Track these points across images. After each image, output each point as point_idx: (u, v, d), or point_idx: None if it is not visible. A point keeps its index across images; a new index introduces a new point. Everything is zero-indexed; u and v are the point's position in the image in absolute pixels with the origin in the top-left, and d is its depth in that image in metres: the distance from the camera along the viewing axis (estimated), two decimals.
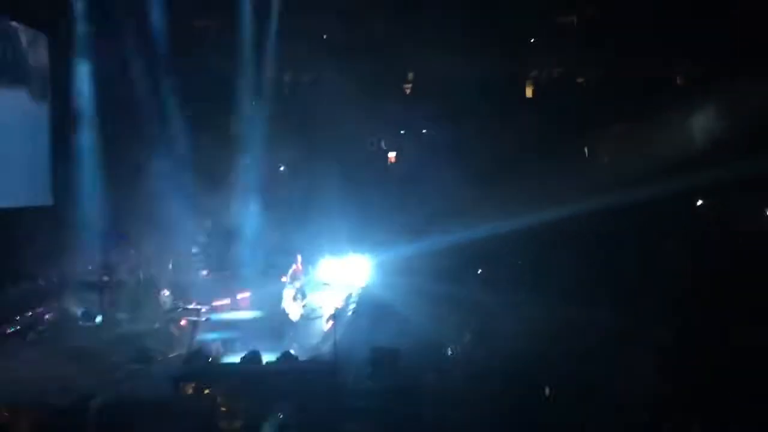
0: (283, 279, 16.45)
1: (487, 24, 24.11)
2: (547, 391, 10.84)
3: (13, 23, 18.32)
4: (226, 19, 23.48)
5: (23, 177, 18.83)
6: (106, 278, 16.44)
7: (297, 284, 15.90)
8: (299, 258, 16.57)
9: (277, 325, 15.93)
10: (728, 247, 18.00)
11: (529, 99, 27.58)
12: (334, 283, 19.05)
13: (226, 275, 19.67)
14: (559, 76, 27.13)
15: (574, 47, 25.38)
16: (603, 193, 20.09)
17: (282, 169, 26.44)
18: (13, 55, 18.60)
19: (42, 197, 19.60)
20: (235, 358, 13.22)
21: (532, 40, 26.62)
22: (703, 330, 12.71)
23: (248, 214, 21.97)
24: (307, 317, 15.85)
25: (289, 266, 16.94)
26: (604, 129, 24.29)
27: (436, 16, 24.13)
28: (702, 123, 20.92)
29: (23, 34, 18.94)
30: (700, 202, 21.95)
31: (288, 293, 15.51)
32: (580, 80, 27.08)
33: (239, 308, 18.45)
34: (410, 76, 28.22)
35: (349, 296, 17.32)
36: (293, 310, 15.40)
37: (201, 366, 12.36)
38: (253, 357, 12.79)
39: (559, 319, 14.01)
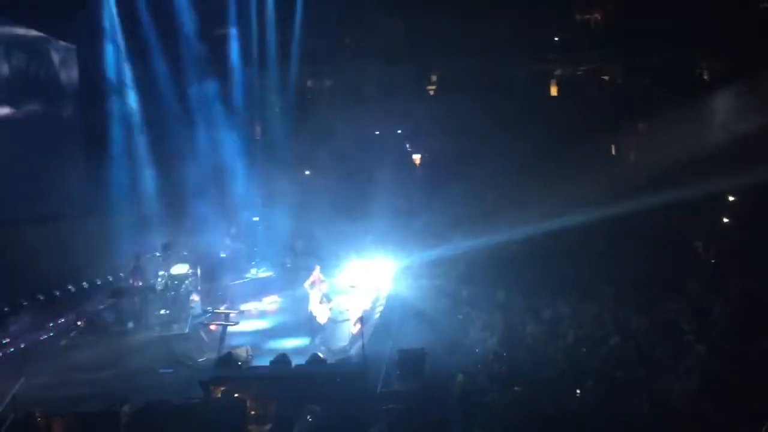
0: (306, 284, 16.56)
1: (511, 23, 24.08)
2: (578, 391, 10.75)
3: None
4: (247, 26, 23.75)
5: (54, 188, 19.18)
6: (137, 284, 16.62)
7: (322, 288, 15.93)
8: (318, 268, 16.69)
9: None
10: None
11: (553, 98, 27.48)
12: (360, 286, 19.10)
13: (254, 279, 19.82)
14: (583, 74, 27.02)
15: (598, 45, 25.27)
16: (630, 191, 19.92)
17: (308, 173, 26.61)
18: (47, 73, 19.03)
19: (72, 207, 19.93)
20: (263, 362, 13.31)
21: (555, 39, 26.52)
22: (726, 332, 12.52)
23: (276, 219, 22.13)
24: (335, 320, 15.87)
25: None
26: (629, 126, 24.13)
27: (459, 16, 24.13)
28: (728, 118, 20.65)
29: (55, 53, 19.35)
30: (732, 199, 21.68)
31: (314, 297, 15.57)
32: (604, 77, 26.95)
33: (267, 312, 18.59)
34: (434, 78, 28.26)
35: (376, 299, 17.35)
36: (320, 313, 15.45)
37: (230, 370, 12.44)
38: (282, 360, 12.87)
39: (585, 320, 13.94)
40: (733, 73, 22.31)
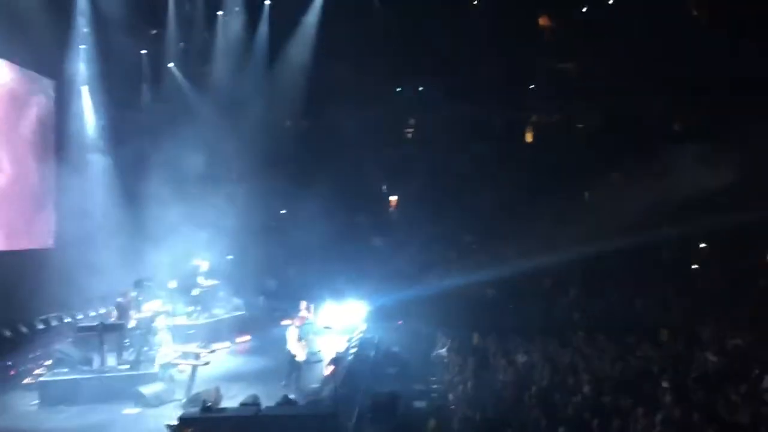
0: (284, 322, 16.35)
1: (488, 69, 24.47)
2: None
3: None
4: (229, 63, 23.90)
5: (24, 220, 18.95)
6: (105, 322, 16.31)
7: (297, 323, 15.68)
8: (304, 303, 16.51)
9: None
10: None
11: (529, 144, 27.86)
12: (334, 327, 18.96)
13: (226, 319, 19.60)
14: (559, 121, 27.47)
15: (574, 93, 25.75)
16: (603, 237, 20.14)
17: (283, 212, 26.57)
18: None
19: (42, 240, 19.69)
20: (234, 403, 13.08)
21: (531, 86, 26.99)
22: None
23: (248, 258, 21.97)
24: (308, 361, 15.67)
25: (290, 311, 16.85)
26: (603, 174, 24.49)
27: (436, 62, 24.50)
28: (699, 169, 21.03)
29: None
30: (702, 245, 21.99)
31: (291, 335, 15.34)
32: (579, 125, 27.42)
33: (239, 352, 18.35)
34: (411, 121, 28.56)
35: (350, 339, 17.22)
36: (299, 352, 15.20)
37: (199, 411, 12.21)
38: (253, 401, 12.67)
39: (559, 366, 13.93)
40: (707, 125, 22.85)
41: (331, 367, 14.67)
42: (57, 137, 20.39)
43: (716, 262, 20.81)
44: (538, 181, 24.02)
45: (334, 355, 15.51)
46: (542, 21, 27.28)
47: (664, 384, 12.17)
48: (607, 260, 20.35)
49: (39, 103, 19.66)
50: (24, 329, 17.70)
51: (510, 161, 25.18)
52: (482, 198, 23.71)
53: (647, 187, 21.85)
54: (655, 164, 21.68)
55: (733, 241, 20.40)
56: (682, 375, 12.87)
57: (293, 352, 15.08)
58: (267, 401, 12.74)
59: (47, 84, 20.00)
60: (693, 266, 21.56)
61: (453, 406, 12.57)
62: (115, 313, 15.91)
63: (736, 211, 19.20)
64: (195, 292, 19.23)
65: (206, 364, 15.67)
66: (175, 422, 11.70)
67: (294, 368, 15.05)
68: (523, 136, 28.14)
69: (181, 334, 17.35)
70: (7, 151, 18.32)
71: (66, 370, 14.86)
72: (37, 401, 14.20)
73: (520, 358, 14.56)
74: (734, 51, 20.70)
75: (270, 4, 23.91)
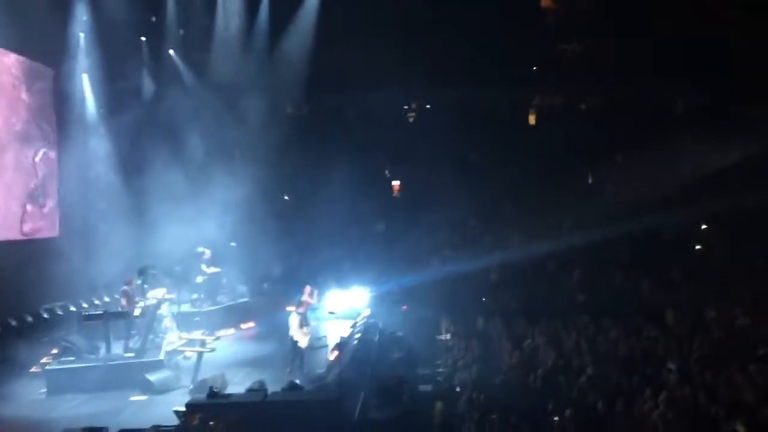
0: (288, 308, 16.32)
1: (490, 52, 24.31)
2: (555, 418, 10.72)
3: None
4: (230, 49, 23.80)
5: (27, 210, 18.97)
6: (110, 311, 16.35)
7: (300, 309, 15.63)
8: (308, 289, 16.44)
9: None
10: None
11: (533, 126, 27.72)
12: (339, 312, 18.97)
13: (230, 306, 19.63)
14: (562, 104, 27.32)
15: (577, 75, 25.59)
16: (608, 220, 20.08)
17: (286, 198, 26.54)
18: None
19: (48, 229, 19.72)
20: (239, 389, 13.14)
21: (534, 68, 26.81)
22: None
23: (252, 245, 21.94)
24: (312, 346, 15.70)
25: (294, 297, 16.85)
26: (607, 156, 24.38)
27: (439, 44, 24.33)
28: (702, 151, 20.93)
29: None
30: (704, 227, 21.89)
31: (294, 322, 15.34)
32: (582, 107, 27.27)
33: (244, 338, 18.40)
34: (413, 105, 28.42)
35: (354, 324, 17.23)
36: (301, 338, 15.21)
37: (205, 397, 12.27)
38: (259, 387, 12.73)
39: (564, 348, 13.95)
40: (712, 106, 22.75)
41: (336, 352, 14.69)
42: (58, 126, 20.38)
43: (720, 242, 20.70)
44: (541, 165, 23.91)
45: (338, 340, 15.52)
46: (544, 2, 27.08)
47: (670, 365, 12.18)
48: (612, 242, 20.26)
49: (39, 92, 19.62)
50: (29, 318, 17.78)
51: (513, 144, 25.08)
52: (486, 182, 23.64)
53: (651, 169, 21.79)
54: (660, 145, 21.57)
55: (736, 221, 20.30)
56: (687, 355, 12.87)
57: (295, 338, 15.10)
58: (273, 387, 12.80)
59: (47, 72, 19.96)
60: (697, 247, 21.45)
61: (458, 389, 12.58)
62: (123, 301, 15.90)
63: (742, 191, 19.14)
64: (199, 279, 19.25)
65: (212, 350, 15.72)
66: (182, 408, 11.75)
67: (296, 354, 15.09)
68: (526, 118, 28.00)
69: (186, 322, 17.39)
70: (10, 142, 18.33)
71: (72, 358, 14.94)
72: (44, 390, 14.31)
73: (525, 341, 14.56)
74: (745, 30, 20.54)
75: None
